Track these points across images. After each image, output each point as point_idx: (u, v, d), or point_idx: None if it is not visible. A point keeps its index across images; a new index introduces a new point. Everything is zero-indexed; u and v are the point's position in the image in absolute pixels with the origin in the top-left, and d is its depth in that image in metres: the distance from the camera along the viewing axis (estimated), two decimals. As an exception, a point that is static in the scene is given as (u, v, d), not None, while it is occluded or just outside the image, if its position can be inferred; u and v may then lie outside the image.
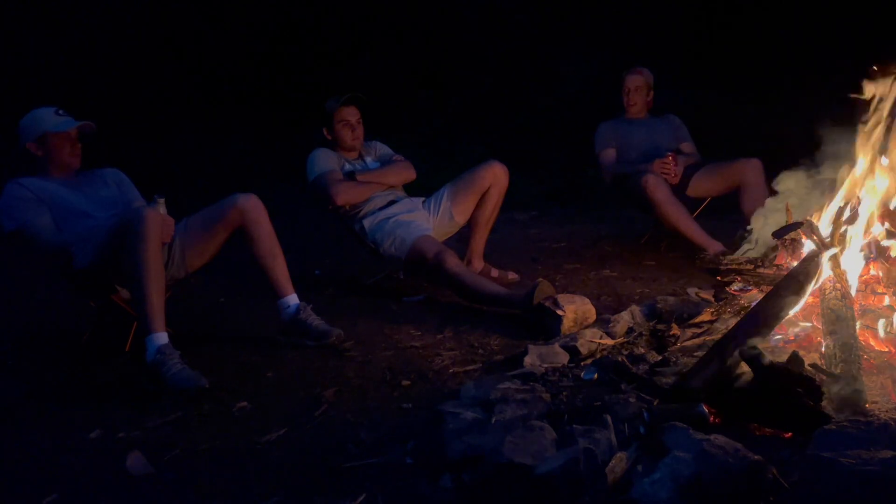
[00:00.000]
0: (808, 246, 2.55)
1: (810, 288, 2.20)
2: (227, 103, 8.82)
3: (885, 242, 2.54)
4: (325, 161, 3.71)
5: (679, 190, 4.16)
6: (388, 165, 3.86)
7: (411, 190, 3.95)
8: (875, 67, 2.61)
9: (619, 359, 2.33)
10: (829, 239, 2.34)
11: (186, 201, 3.27)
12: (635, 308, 2.91)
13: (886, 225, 2.55)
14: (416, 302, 3.55)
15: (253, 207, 2.94)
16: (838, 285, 2.21)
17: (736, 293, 2.96)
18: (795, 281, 2.19)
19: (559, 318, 2.83)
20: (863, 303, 2.43)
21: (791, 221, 3.14)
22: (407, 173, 3.87)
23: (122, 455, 2.07)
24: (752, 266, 3.40)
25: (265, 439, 2.16)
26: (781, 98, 6.63)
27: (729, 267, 3.51)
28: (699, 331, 2.59)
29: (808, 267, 2.23)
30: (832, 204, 2.63)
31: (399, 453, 2.00)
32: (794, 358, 1.88)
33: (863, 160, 2.62)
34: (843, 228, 2.38)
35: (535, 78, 8.73)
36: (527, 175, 6.67)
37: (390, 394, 2.47)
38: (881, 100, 2.61)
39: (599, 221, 5.43)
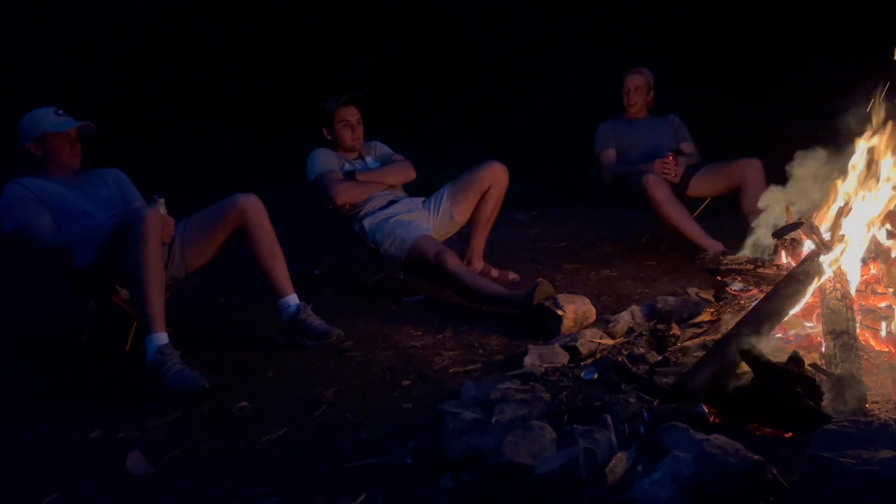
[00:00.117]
0: (808, 246, 2.55)
1: (810, 288, 2.20)
2: (227, 103, 8.81)
3: (885, 242, 2.54)
4: (325, 161, 3.71)
5: (679, 190, 4.16)
6: (388, 165, 3.86)
7: (411, 190, 3.95)
8: None
9: (619, 359, 2.33)
10: (829, 239, 2.34)
11: (186, 201, 3.27)
12: (635, 308, 2.91)
13: (887, 226, 2.55)
14: (416, 302, 3.55)
15: (253, 207, 2.94)
16: (838, 285, 2.21)
17: (736, 293, 2.96)
18: (795, 281, 2.19)
19: (559, 318, 2.83)
20: (863, 303, 2.43)
21: (791, 221, 3.14)
22: (407, 173, 3.87)
23: (122, 455, 2.07)
24: (752, 266, 3.40)
25: (265, 439, 2.16)
26: (781, 98, 6.62)
27: (729, 267, 3.51)
28: (699, 331, 2.58)
29: (809, 267, 2.23)
30: (832, 205, 2.63)
31: (399, 453, 2.00)
32: (794, 358, 1.88)
33: (862, 160, 2.62)
34: (842, 229, 2.38)
35: (535, 78, 8.73)
36: (527, 175, 6.69)
37: (390, 394, 2.46)
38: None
39: (599, 221, 5.42)
